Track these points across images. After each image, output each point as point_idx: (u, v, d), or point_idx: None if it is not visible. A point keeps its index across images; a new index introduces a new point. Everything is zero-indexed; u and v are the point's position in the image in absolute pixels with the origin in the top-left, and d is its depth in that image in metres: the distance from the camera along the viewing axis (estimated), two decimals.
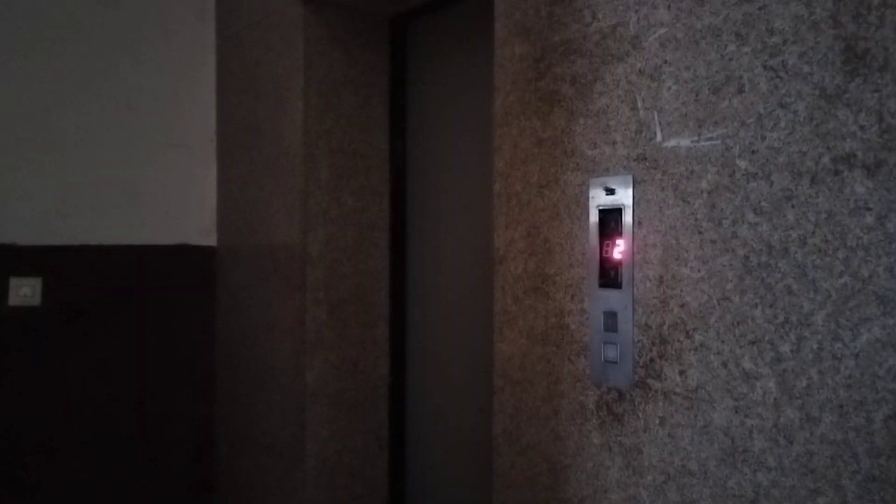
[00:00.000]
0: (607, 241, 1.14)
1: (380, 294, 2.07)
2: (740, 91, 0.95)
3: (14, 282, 2.11)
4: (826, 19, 0.86)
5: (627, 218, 1.10)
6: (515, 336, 1.32)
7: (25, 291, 2.12)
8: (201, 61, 2.43)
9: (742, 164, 0.95)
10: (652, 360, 1.07)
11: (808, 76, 0.88)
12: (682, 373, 1.03)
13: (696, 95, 1.01)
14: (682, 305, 1.03)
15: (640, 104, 1.09)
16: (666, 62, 1.05)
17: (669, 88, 1.04)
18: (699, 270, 1.01)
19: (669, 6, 1.04)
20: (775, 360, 0.92)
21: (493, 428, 1.37)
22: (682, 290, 1.03)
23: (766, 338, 0.93)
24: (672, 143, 1.04)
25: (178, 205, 2.40)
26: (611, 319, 1.13)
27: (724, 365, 0.97)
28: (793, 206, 0.90)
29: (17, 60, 2.14)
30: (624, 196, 1.11)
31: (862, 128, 0.83)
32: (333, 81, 1.99)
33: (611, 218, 1.13)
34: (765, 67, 0.93)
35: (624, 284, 1.11)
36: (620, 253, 1.11)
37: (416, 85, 2.06)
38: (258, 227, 2.19)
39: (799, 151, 0.89)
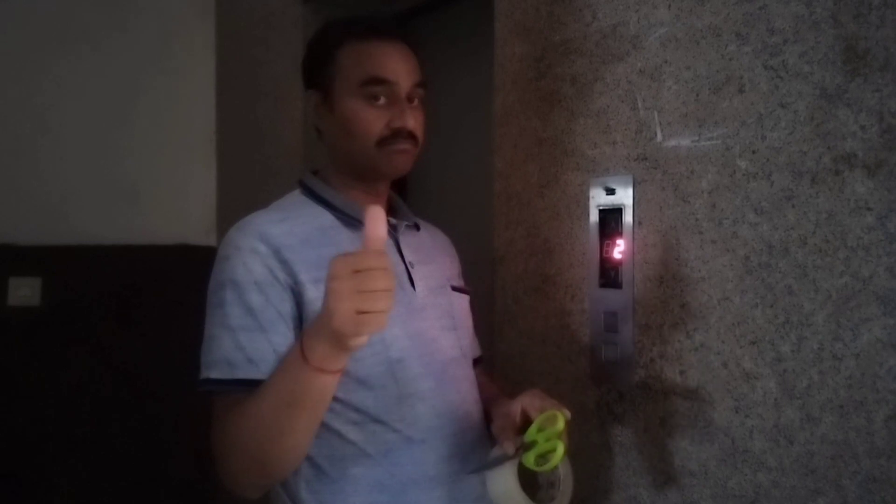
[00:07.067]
0: (607, 241, 1.13)
1: None
2: (741, 91, 0.95)
3: (13, 282, 2.10)
4: (827, 19, 0.86)
5: (628, 218, 1.10)
6: (515, 336, 1.31)
7: (25, 291, 2.11)
8: (201, 61, 2.43)
9: (742, 163, 0.95)
10: (652, 360, 1.07)
11: (808, 76, 0.88)
12: (682, 373, 1.03)
13: (697, 95, 1.01)
14: (682, 305, 1.03)
15: (640, 104, 1.09)
16: (666, 62, 1.05)
17: (670, 88, 1.04)
18: (699, 270, 1.00)
19: (670, 6, 1.04)
20: (776, 360, 0.92)
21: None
22: (682, 290, 1.03)
23: (767, 338, 0.92)
24: (672, 142, 1.04)
25: (178, 205, 2.39)
26: (611, 319, 1.13)
27: (725, 365, 0.97)
28: (793, 206, 0.90)
29: (17, 60, 2.13)
30: (624, 196, 1.11)
31: (862, 127, 0.83)
32: None
33: (611, 218, 1.13)
34: (765, 67, 0.92)
35: (624, 284, 1.11)
36: (621, 253, 1.11)
37: None
38: None
39: (799, 151, 0.89)
